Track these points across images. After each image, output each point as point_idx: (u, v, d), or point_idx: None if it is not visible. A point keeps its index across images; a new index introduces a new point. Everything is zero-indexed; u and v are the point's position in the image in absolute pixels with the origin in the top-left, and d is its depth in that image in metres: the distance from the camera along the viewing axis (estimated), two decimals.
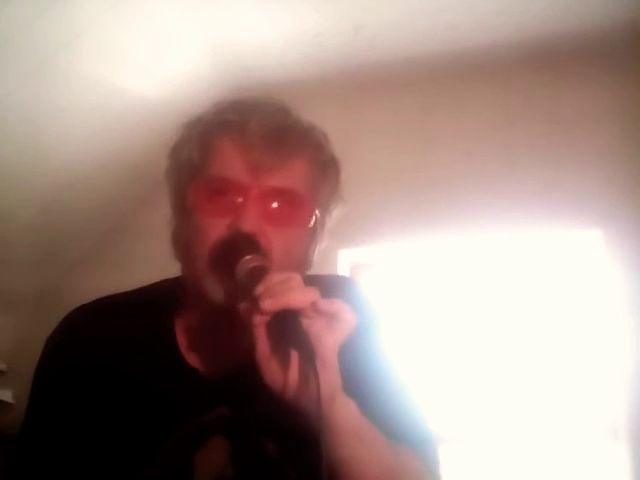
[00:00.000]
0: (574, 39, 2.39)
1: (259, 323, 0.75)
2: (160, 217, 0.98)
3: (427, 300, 2.57)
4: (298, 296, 0.75)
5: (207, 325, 0.92)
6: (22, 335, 2.68)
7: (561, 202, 2.41)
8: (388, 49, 2.47)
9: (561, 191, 2.42)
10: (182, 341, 0.94)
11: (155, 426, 0.89)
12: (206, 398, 0.90)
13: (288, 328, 0.74)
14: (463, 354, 2.45)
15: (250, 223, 0.84)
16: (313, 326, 0.75)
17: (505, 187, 2.47)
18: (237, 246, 0.83)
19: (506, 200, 2.45)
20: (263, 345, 0.76)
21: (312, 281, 0.87)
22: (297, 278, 0.77)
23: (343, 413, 0.78)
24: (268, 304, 0.74)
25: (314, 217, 0.92)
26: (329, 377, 0.75)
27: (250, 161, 0.85)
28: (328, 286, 0.94)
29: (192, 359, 0.93)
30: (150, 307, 0.95)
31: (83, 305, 1.00)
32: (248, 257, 0.81)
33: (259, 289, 0.76)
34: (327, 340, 0.75)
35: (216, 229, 0.85)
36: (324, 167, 0.93)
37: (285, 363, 0.76)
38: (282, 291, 0.75)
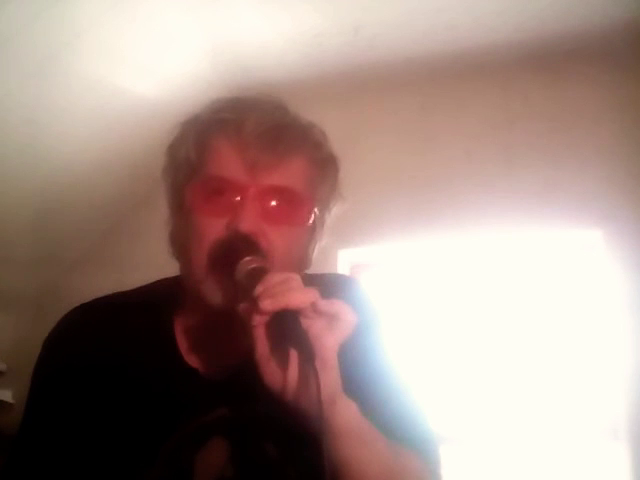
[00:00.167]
0: (574, 39, 2.39)
1: (258, 323, 0.75)
2: (160, 217, 0.98)
3: (427, 300, 2.57)
4: (298, 296, 0.74)
5: (206, 325, 0.92)
6: (22, 335, 2.67)
7: (561, 202, 2.41)
8: (388, 49, 2.47)
9: (561, 191, 2.42)
10: (181, 341, 0.94)
11: (155, 426, 0.88)
12: (206, 398, 0.90)
13: (288, 328, 0.74)
14: (463, 354, 2.45)
15: (248, 222, 0.83)
16: (313, 326, 0.75)
17: (505, 187, 2.47)
18: (236, 247, 0.82)
19: (506, 200, 2.45)
20: (262, 346, 0.76)
21: (312, 280, 0.87)
22: (297, 278, 0.77)
23: (343, 414, 0.78)
24: (267, 304, 0.73)
25: (313, 215, 0.91)
26: (329, 378, 0.75)
27: (247, 160, 0.85)
28: (328, 285, 0.93)
29: (192, 359, 0.93)
30: (149, 307, 0.95)
31: (82, 304, 1.00)
32: (247, 258, 0.80)
33: (258, 289, 0.75)
34: (327, 341, 0.75)
35: (214, 229, 0.85)
36: (322, 165, 0.92)
37: (285, 364, 0.76)
38: (281, 291, 0.74)
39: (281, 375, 0.76)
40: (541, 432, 2.29)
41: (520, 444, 2.31)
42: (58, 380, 0.93)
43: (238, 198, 0.85)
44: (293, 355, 0.76)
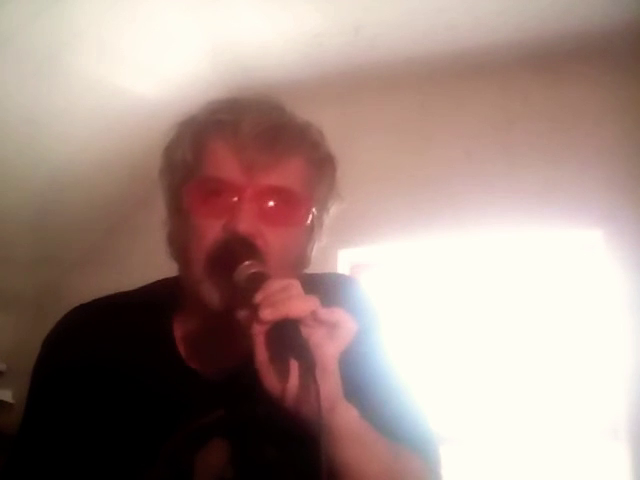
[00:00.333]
0: (574, 39, 2.39)
1: (258, 332, 0.74)
2: (159, 217, 0.97)
3: (427, 300, 2.57)
4: (298, 305, 0.74)
5: (205, 327, 0.92)
6: (22, 335, 2.67)
7: (561, 202, 2.41)
8: (388, 49, 2.47)
9: (561, 191, 2.42)
10: (181, 342, 0.94)
11: (154, 427, 0.88)
12: (205, 399, 0.89)
13: (288, 337, 0.73)
14: (463, 354, 2.45)
15: (246, 224, 0.83)
16: (313, 335, 0.74)
17: (505, 187, 2.47)
18: (234, 249, 0.82)
19: (506, 200, 2.45)
20: (262, 353, 0.75)
21: (312, 280, 0.87)
22: (297, 285, 0.76)
23: (344, 420, 0.78)
24: (268, 313, 0.73)
25: (311, 215, 0.91)
26: (330, 386, 0.75)
27: (244, 161, 0.84)
28: (328, 286, 0.94)
29: (191, 360, 0.93)
30: (149, 307, 0.95)
31: (81, 305, 1.00)
32: (247, 263, 0.80)
33: (258, 297, 0.75)
34: (328, 349, 0.74)
35: (211, 231, 0.85)
36: (320, 165, 0.92)
37: (285, 371, 0.76)
38: (282, 300, 0.74)
39: (281, 382, 0.76)
40: (541, 432, 2.29)
41: (520, 444, 2.31)
42: (57, 380, 0.93)
43: (235, 199, 0.84)
44: (293, 363, 0.76)
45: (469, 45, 2.45)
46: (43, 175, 2.42)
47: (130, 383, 0.90)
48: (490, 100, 2.60)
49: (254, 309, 0.74)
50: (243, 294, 0.78)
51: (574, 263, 2.47)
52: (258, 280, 0.78)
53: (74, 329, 0.97)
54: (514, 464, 2.29)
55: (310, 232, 0.93)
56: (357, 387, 0.83)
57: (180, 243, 0.91)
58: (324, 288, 0.83)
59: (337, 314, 0.76)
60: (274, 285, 0.76)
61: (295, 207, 0.88)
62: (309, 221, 0.91)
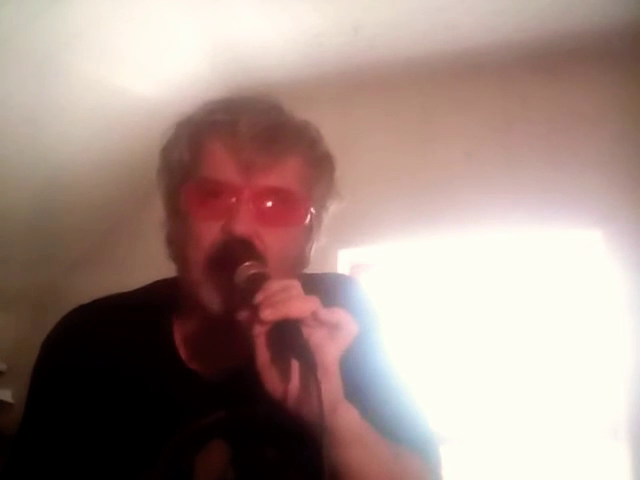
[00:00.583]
0: (573, 39, 2.39)
1: (259, 333, 0.74)
2: (159, 217, 0.97)
3: (427, 300, 2.57)
4: (298, 306, 0.74)
5: (205, 328, 0.91)
6: (22, 335, 2.67)
7: (561, 202, 2.41)
8: (388, 49, 2.47)
9: (561, 191, 2.42)
10: (180, 343, 0.94)
11: (154, 428, 0.88)
12: (205, 400, 0.89)
13: (288, 337, 0.73)
14: (463, 354, 2.45)
15: (244, 225, 0.82)
16: (314, 335, 0.74)
17: (505, 187, 2.47)
18: (232, 250, 0.82)
19: (506, 200, 2.45)
20: (263, 354, 0.75)
21: (311, 280, 0.87)
22: (297, 286, 0.76)
23: (345, 420, 0.78)
24: (268, 314, 0.73)
25: (310, 215, 0.90)
26: (331, 386, 0.75)
27: (241, 162, 0.84)
28: (328, 286, 0.94)
29: (191, 361, 0.93)
30: (148, 308, 0.95)
31: (81, 306, 0.99)
32: (247, 264, 0.80)
33: (259, 297, 0.75)
34: (329, 350, 0.74)
35: (210, 232, 0.84)
36: (318, 164, 0.92)
37: (286, 372, 0.76)
38: (282, 300, 0.74)
39: (282, 383, 0.76)
40: (541, 432, 2.29)
41: (520, 444, 2.31)
42: (57, 381, 0.92)
43: (233, 200, 0.84)
44: (294, 364, 0.75)
45: (469, 45, 2.45)
46: (43, 175, 2.42)
47: (130, 384, 0.90)
48: (490, 101, 2.60)
49: (254, 310, 0.74)
50: (243, 295, 0.78)
51: (574, 263, 2.47)
52: (258, 281, 0.77)
53: (73, 330, 0.96)
54: (514, 464, 2.29)
55: (309, 232, 0.93)
56: (357, 387, 0.82)
57: (178, 245, 0.90)
58: (324, 288, 0.83)
59: (338, 314, 0.76)
60: (274, 286, 0.76)
61: (293, 207, 0.88)
62: (308, 221, 0.90)
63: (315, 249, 0.96)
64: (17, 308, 2.71)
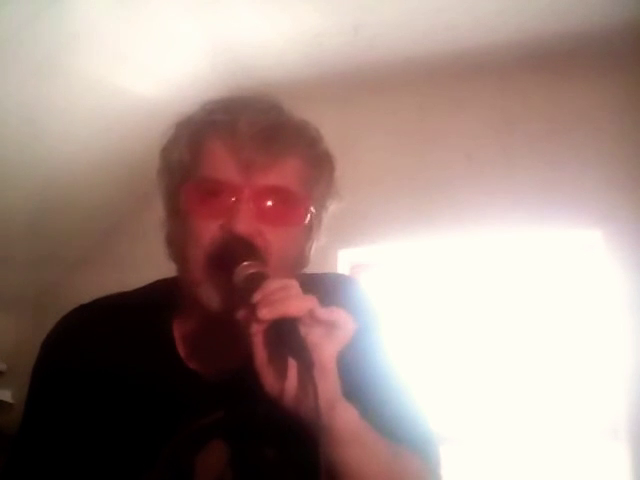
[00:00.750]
0: (574, 39, 2.39)
1: (257, 331, 0.74)
2: (159, 217, 0.97)
3: (427, 300, 2.57)
4: (296, 304, 0.74)
5: (205, 327, 0.91)
6: (22, 335, 2.67)
7: (561, 202, 2.41)
8: (388, 49, 2.47)
9: (561, 191, 2.42)
10: (180, 343, 0.94)
11: (154, 428, 0.88)
12: (205, 400, 0.89)
13: (286, 336, 0.73)
14: (463, 354, 2.45)
15: (244, 224, 0.83)
16: (311, 334, 0.74)
17: (504, 187, 2.47)
18: (232, 249, 0.82)
19: (506, 200, 2.45)
20: (261, 353, 0.75)
21: (311, 280, 0.87)
22: (295, 285, 0.77)
23: (343, 420, 0.78)
24: (265, 313, 0.73)
25: (309, 214, 0.90)
26: (328, 385, 0.75)
27: (241, 161, 0.84)
28: (328, 285, 0.94)
29: (191, 361, 0.93)
30: (148, 308, 0.95)
31: (81, 306, 0.99)
32: (246, 263, 0.80)
33: (256, 297, 0.75)
34: (326, 349, 0.74)
35: (210, 231, 0.84)
36: (318, 163, 0.92)
37: (284, 371, 0.76)
38: (280, 299, 0.74)
39: (280, 382, 0.76)
40: (541, 432, 2.29)
41: (520, 444, 2.31)
42: (57, 382, 0.92)
43: (233, 199, 0.84)
44: (292, 362, 0.75)
45: (469, 45, 2.45)
46: (43, 175, 2.42)
47: (130, 384, 0.90)
48: (490, 101, 2.60)
49: (252, 309, 0.74)
50: (242, 294, 0.78)
51: (574, 263, 2.47)
52: (257, 280, 0.78)
53: (73, 330, 0.96)
54: (514, 464, 2.29)
55: (309, 231, 0.93)
56: (357, 387, 0.83)
57: (178, 244, 0.90)
58: (324, 288, 0.83)
59: (335, 313, 0.76)
60: (272, 284, 0.76)
61: (293, 207, 0.88)
62: (308, 220, 0.90)
63: (315, 249, 0.96)
64: (17, 308, 2.71)
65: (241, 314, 0.77)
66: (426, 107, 2.65)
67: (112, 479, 0.87)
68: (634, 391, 2.20)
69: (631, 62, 2.43)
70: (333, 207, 0.95)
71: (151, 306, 0.95)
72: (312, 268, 0.99)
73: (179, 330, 0.94)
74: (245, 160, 0.84)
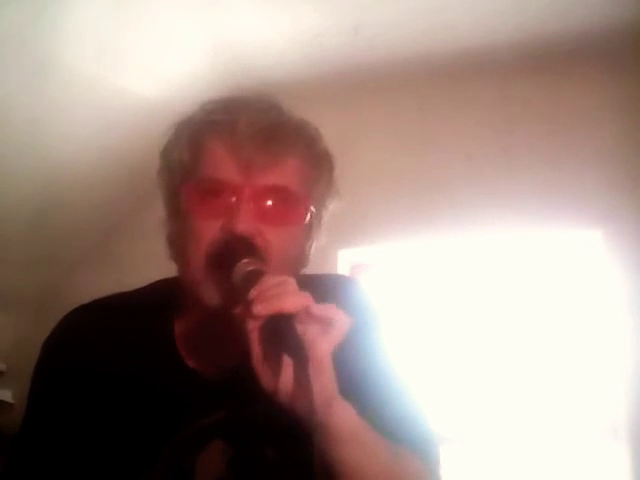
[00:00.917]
0: (573, 39, 2.39)
1: (253, 328, 0.75)
2: (159, 217, 0.97)
3: (427, 300, 2.57)
4: (291, 301, 0.74)
5: (205, 327, 0.91)
6: (22, 335, 2.67)
7: (561, 202, 2.41)
8: (388, 49, 2.47)
9: (561, 192, 2.42)
10: (181, 342, 0.94)
11: (155, 428, 0.88)
12: (206, 400, 0.89)
13: (282, 333, 0.73)
14: (463, 354, 2.45)
15: (244, 223, 0.83)
16: (307, 331, 0.74)
17: (504, 188, 2.47)
18: (233, 248, 0.82)
19: (506, 201, 2.45)
20: (257, 350, 0.76)
21: (311, 280, 0.87)
22: (291, 282, 0.77)
23: (340, 418, 0.77)
24: (260, 309, 0.73)
25: (309, 214, 0.91)
26: (323, 382, 0.75)
27: (241, 161, 0.85)
28: (328, 286, 0.95)
29: (191, 360, 0.93)
30: (149, 308, 0.95)
31: (81, 306, 0.99)
32: (245, 260, 0.80)
33: (253, 293, 0.75)
34: (321, 345, 0.74)
35: (210, 231, 0.85)
36: (317, 162, 0.92)
37: (279, 368, 0.76)
38: (275, 295, 0.74)
39: (276, 379, 0.76)
40: (541, 432, 2.29)
41: (520, 444, 2.31)
42: (58, 381, 0.92)
43: (233, 199, 0.85)
44: (288, 359, 0.76)
45: (469, 45, 2.45)
46: (43, 175, 2.42)
47: (130, 384, 0.90)
48: (490, 101, 2.60)
49: (249, 305, 0.75)
50: (240, 292, 0.78)
51: (574, 263, 2.47)
52: (254, 277, 0.78)
53: (74, 330, 0.96)
54: (514, 464, 2.29)
55: (309, 231, 0.93)
56: (357, 387, 0.83)
57: (179, 244, 0.91)
58: (324, 288, 0.84)
59: (330, 310, 0.76)
60: (268, 281, 0.76)
61: (293, 206, 0.88)
62: (308, 220, 0.91)
63: (315, 248, 0.96)
64: (17, 308, 2.71)
65: (238, 310, 0.77)
66: (426, 107, 2.65)
67: (113, 478, 0.87)
68: (634, 391, 2.20)
69: (631, 62, 2.43)
70: (333, 206, 0.95)
71: (152, 306, 0.95)
72: (312, 268, 0.99)
73: (180, 329, 0.94)
74: (245, 160, 0.84)
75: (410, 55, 2.50)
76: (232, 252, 0.82)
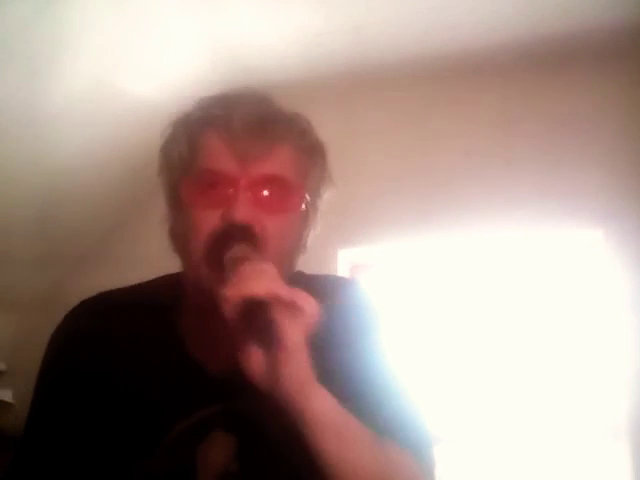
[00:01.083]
0: (574, 39, 2.39)
1: (229, 313, 0.76)
2: (159, 218, 0.98)
3: (427, 300, 2.57)
4: (261, 285, 0.76)
5: (209, 320, 0.92)
6: (22, 335, 2.67)
7: (561, 202, 2.41)
8: (388, 49, 2.47)
9: (561, 191, 2.42)
10: (187, 336, 0.95)
11: (160, 422, 0.89)
12: (211, 393, 0.90)
13: (257, 318, 0.75)
14: (464, 354, 2.45)
15: (242, 211, 0.85)
16: (278, 316, 0.76)
17: (505, 187, 2.47)
18: (232, 236, 0.84)
19: (506, 200, 2.45)
20: (237, 336, 0.78)
21: (312, 280, 0.89)
22: (269, 269, 0.79)
23: (317, 405, 0.78)
24: (231, 292, 0.75)
25: (305, 201, 0.93)
26: (296, 367, 0.76)
27: (237, 152, 0.87)
28: (328, 287, 0.96)
29: (197, 355, 0.94)
30: (156, 302, 0.97)
31: (89, 299, 1.01)
32: (235, 247, 0.82)
33: (232, 279, 0.77)
34: (291, 330, 0.75)
35: (210, 221, 0.87)
36: (310, 152, 0.94)
37: (258, 355, 0.78)
38: (247, 280, 0.76)
39: (255, 365, 0.78)
40: (542, 432, 2.29)
41: (521, 444, 2.31)
42: (67, 375, 0.94)
43: (231, 189, 0.87)
44: (261, 345, 0.77)
45: (469, 45, 2.45)
46: (43, 175, 2.42)
47: (137, 378, 0.91)
48: (490, 101, 2.60)
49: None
50: (228, 278, 0.80)
51: (574, 263, 2.47)
52: (238, 263, 0.80)
53: (82, 324, 0.98)
54: (515, 464, 2.29)
55: (305, 219, 0.95)
56: (355, 387, 0.84)
57: (181, 236, 0.93)
58: (323, 289, 0.85)
59: (299, 295, 0.77)
60: (247, 267, 0.78)
61: (289, 194, 0.90)
62: (303, 207, 0.93)
63: (312, 238, 0.98)
64: (17, 308, 2.71)
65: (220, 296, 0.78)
66: (426, 107, 2.65)
67: (117, 473, 0.88)
68: (635, 391, 2.20)
69: (631, 62, 2.43)
70: (327, 195, 0.97)
71: (158, 299, 0.97)
72: (312, 268, 0.99)
73: (185, 324, 0.95)
74: (240, 151, 0.87)
75: (410, 55, 2.50)
76: (230, 238, 0.84)
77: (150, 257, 1.31)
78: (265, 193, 0.88)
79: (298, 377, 0.76)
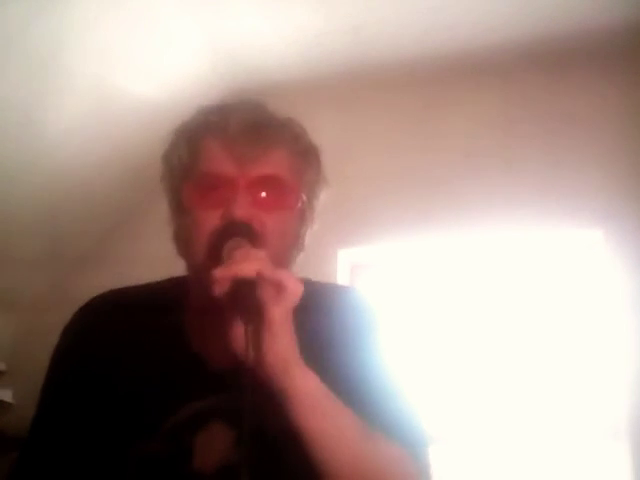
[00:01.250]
0: (574, 39, 2.39)
1: (217, 293, 0.79)
2: (162, 216, 1.00)
3: (427, 300, 2.57)
4: (247, 265, 0.80)
5: (212, 317, 0.93)
6: (22, 335, 2.68)
7: (561, 202, 2.41)
8: (388, 49, 2.47)
9: (561, 191, 2.42)
10: (192, 335, 0.97)
11: (162, 418, 0.91)
12: (213, 388, 0.92)
13: (244, 298, 0.79)
14: (464, 354, 2.45)
15: (242, 210, 0.89)
16: (263, 295, 0.80)
17: (505, 187, 2.47)
18: (232, 233, 0.88)
19: (506, 200, 2.45)
20: (226, 316, 0.81)
21: (312, 286, 0.90)
22: (258, 252, 0.83)
23: (300, 383, 0.81)
24: (219, 273, 0.80)
25: (301, 200, 0.97)
26: (279, 346, 0.80)
27: (234, 155, 0.92)
28: (327, 291, 1.01)
29: (201, 352, 0.96)
30: (162, 302, 0.99)
31: (99, 295, 1.04)
32: (232, 241, 0.86)
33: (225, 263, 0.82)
34: (274, 309, 0.79)
35: (211, 220, 0.91)
36: (304, 154, 0.99)
37: (244, 333, 0.80)
38: (235, 262, 0.81)
39: (242, 345, 0.80)
40: (542, 432, 2.29)
41: (521, 444, 2.31)
42: (75, 374, 0.97)
43: (230, 190, 0.91)
44: (250, 324, 0.80)
45: (469, 45, 2.45)
46: (44, 175, 2.42)
47: (142, 375, 0.94)
48: (490, 101, 2.60)
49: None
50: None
51: (574, 263, 2.47)
52: (232, 252, 0.84)
53: (91, 323, 1.01)
54: (515, 464, 2.29)
55: (302, 217, 0.99)
56: (353, 386, 0.86)
57: (185, 238, 0.96)
58: (322, 293, 0.90)
59: (282, 274, 0.81)
60: (238, 252, 0.83)
61: (285, 192, 0.95)
62: (300, 206, 0.97)
63: (310, 235, 1.01)
64: (17, 308, 2.71)
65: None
66: (426, 107, 2.65)
67: (122, 465, 0.90)
68: (635, 391, 2.20)
69: (631, 62, 2.43)
70: (323, 195, 1.01)
71: (164, 299, 1.00)
72: (312, 268, 1.00)
73: (190, 320, 0.98)
74: (238, 154, 0.92)
75: (410, 55, 2.50)
76: (230, 236, 0.87)
77: (150, 257, 1.31)
78: (263, 193, 0.93)
79: (282, 355, 0.80)
